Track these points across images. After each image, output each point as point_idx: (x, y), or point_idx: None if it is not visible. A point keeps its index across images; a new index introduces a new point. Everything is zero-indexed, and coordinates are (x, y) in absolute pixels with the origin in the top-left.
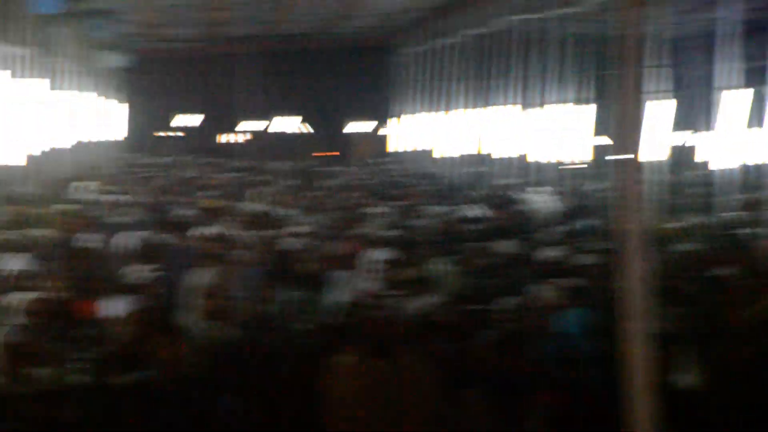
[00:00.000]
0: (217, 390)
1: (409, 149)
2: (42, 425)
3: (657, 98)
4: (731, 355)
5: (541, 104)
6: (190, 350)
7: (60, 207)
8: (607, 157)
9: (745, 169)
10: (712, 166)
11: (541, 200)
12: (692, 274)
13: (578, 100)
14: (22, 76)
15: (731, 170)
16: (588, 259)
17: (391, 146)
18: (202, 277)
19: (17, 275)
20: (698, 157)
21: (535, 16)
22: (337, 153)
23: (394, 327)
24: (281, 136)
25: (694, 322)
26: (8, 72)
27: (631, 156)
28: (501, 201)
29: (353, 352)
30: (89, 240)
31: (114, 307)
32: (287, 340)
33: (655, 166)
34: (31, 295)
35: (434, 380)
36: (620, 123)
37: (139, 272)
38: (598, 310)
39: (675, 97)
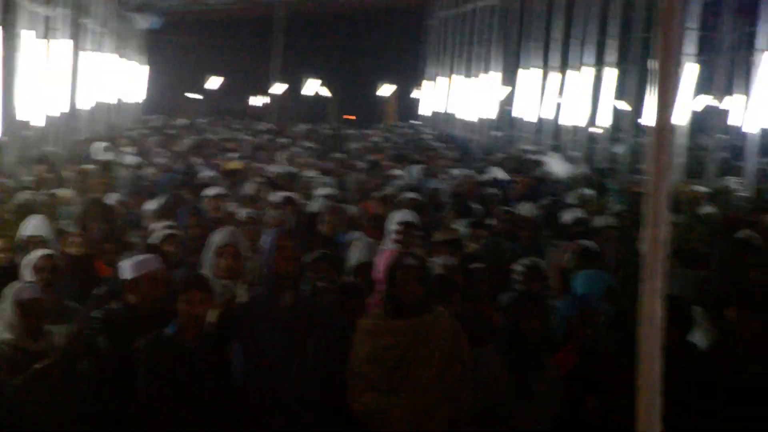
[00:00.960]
0: (230, 348)
1: (440, 112)
2: (57, 382)
3: (690, 61)
4: (752, 317)
5: (563, 68)
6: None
7: (81, 167)
8: (640, 120)
9: None
10: (744, 130)
11: (561, 163)
12: (715, 236)
13: (601, 63)
14: (47, 37)
15: (763, 134)
16: (608, 221)
17: (422, 110)
18: (218, 236)
19: (36, 235)
20: (730, 121)
21: None
22: (365, 116)
23: (416, 287)
24: (310, 99)
25: (714, 284)
26: (32, 32)
27: (665, 119)
28: (522, 164)
29: (376, 311)
30: (109, 199)
31: (132, 265)
32: (305, 299)
33: (685, 130)
34: (44, 253)
35: (456, 339)
36: (657, 85)
37: (158, 231)
38: (618, 272)
39: (708, 60)
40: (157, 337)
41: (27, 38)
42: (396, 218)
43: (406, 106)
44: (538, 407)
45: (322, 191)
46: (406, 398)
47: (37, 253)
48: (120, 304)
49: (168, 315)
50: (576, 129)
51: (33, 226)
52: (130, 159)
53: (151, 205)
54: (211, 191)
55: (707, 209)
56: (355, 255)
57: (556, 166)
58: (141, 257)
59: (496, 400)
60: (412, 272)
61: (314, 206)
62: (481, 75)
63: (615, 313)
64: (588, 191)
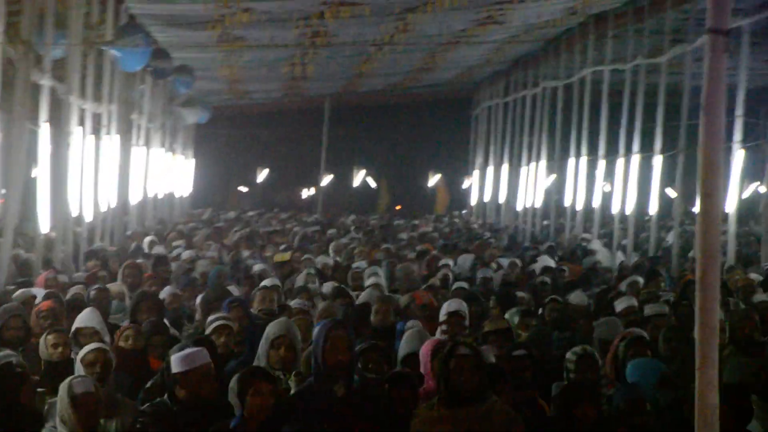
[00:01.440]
0: None
1: (489, 201)
2: None
3: (736, 148)
4: None
5: (612, 156)
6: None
7: (132, 261)
8: (692, 208)
9: None
10: None
11: (606, 251)
12: None
13: (647, 151)
14: (95, 133)
15: None
16: (660, 309)
17: (471, 199)
18: (273, 327)
19: (87, 327)
20: None
21: (610, 67)
22: (415, 206)
23: (472, 375)
24: (360, 190)
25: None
26: (81, 128)
27: (713, 206)
28: (573, 252)
29: (435, 401)
30: (162, 293)
31: (181, 359)
32: (361, 390)
33: (734, 216)
34: (96, 347)
35: (512, 428)
36: (704, 172)
37: (210, 323)
38: (671, 361)
39: (754, 147)
40: (222, 429)
41: (76, 135)
42: (445, 308)
43: (455, 196)
44: None
45: (371, 281)
46: None
47: (89, 347)
48: (169, 398)
49: (217, 408)
50: (624, 216)
51: (84, 318)
52: (180, 252)
53: (200, 299)
54: (266, 282)
55: (761, 297)
56: (405, 345)
57: (602, 255)
58: (190, 350)
59: None
60: (467, 361)
61: (364, 297)
62: (531, 164)
63: (671, 400)
64: (639, 279)
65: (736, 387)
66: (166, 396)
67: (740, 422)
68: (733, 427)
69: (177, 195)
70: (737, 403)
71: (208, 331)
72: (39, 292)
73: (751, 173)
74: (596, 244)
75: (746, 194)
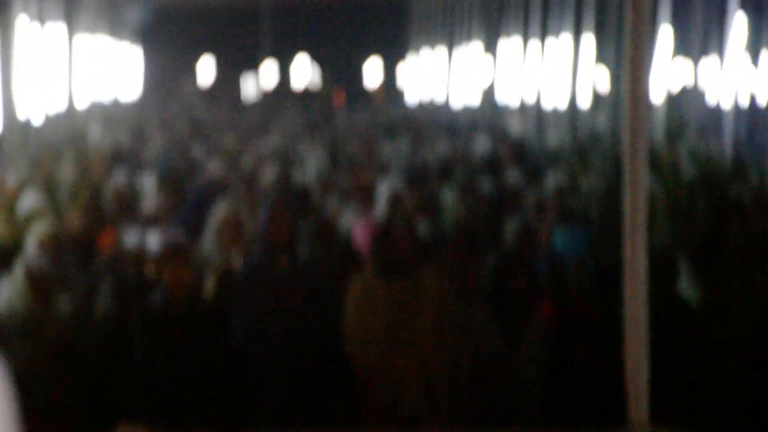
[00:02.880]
0: (230, 315)
1: (425, 90)
2: (62, 350)
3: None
4: (735, 271)
5: (543, 36)
6: (203, 276)
7: (78, 148)
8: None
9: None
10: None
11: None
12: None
13: (576, 31)
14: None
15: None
16: (591, 182)
17: (407, 87)
18: (220, 209)
19: (37, 208)
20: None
21: None
22: (353, 94)
23: (405, 248)
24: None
25: (696, 237)
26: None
27: (640, 88)
28: (501, 132)
29: (368, 272)
30: (113, 176)
31: (133, 239)
32: (301, 264)
33: (663, 94)
34: (48, 227)
35: (444, 298)
36: (630, 57)
37: (158, 204)
38: (600, 228)
39: (679, 23)
40: (146, 304)
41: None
42: (384, 188)
43: (391, 81)
44: (526, 356)
45: (312, 164)
46: (405, 354)
47: (41, 228)
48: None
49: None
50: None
51: (32, 201)
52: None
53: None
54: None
55: (688, 169)
56: (348, 220)
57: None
58: (145, 229)
59: (486, 351)
60: (399, 235)
61: (306, 178)
62: (463, 48)
63: (595, 267)
64: (573, 155)
65: (661, 250)
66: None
67: (668, 285)
68: (662, 291)
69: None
70: (660, 266)
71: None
72: None
73: (679, 49)
74: (515, 120)
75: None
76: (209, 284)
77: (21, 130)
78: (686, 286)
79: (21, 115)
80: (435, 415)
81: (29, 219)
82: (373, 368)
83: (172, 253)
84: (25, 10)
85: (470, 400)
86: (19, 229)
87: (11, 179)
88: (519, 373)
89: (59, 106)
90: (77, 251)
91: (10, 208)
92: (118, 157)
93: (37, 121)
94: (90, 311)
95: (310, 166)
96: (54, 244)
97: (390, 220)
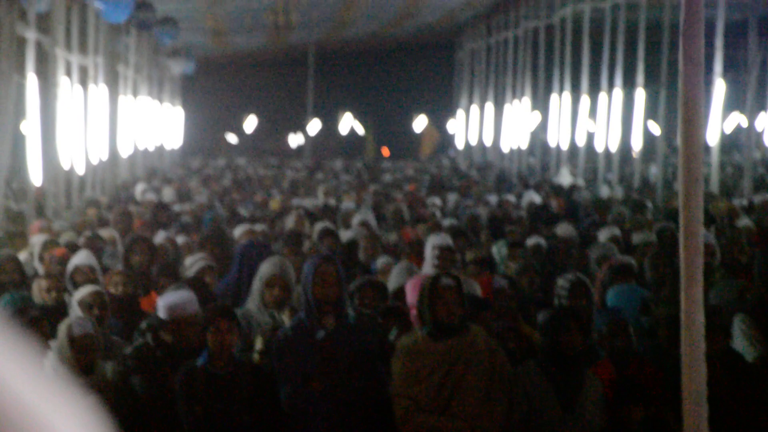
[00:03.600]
0: (276, 376)
1: (473, 142)
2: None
3: (716, 80)
4: None
5: (594, 91)
6: (250, 338)
7: (123, 207)
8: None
9: None
10: None
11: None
12: (754, 247)
13: (628, 86)
14: (85, 84)
15: None
16: (646, 237)
17: (456, 141)
18: (265, 268)
19: (83, 271)
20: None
21: (590, 5)
22: (400, 149)
23: (455, 308)
24: (347, 136)
25: (753, 293)
26: (68, 79)
27: (694, 129)
28: (556, 188)
29: (417, 332)
30: (153, 237)
31: (167, 307)
32: (355, 325)
33: (716, 148)
34: (93, 289)
35: (495, 356)
36: (684, 105)
37: (199, 264)
38: (658, 287)
39: (733, 79)
40: (190, 369)
41: (64, 86)
42: (432, 243)
43: (446, 137)
44: (581, 418)
45: (358, 219)
46: (454, 418)
47: (87, 289)
48: (153, 340)
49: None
50: (608, 152)
51: (81, 257)
52: (171, 198)
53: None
54: (257, 227)
55: (744, 221)
56: (394, 279)
57: (564, 178)
58: (177, 298)
59: (539, 414)
60: (450, 292)
61: (351, 235)
62: (514, 101)
63: (650, 325)
64: (625, 210)
65: (717, 307)
66: (150, 338)
67: (723, 341)
68: (717, 346)
69: (167, 145)
70: (720, 323)
71: (192, 272)
72: (36, 239)
73: (733, 104)
74: (564, 173)
75: (728, 126)
76: (255, 345)
77: (65, 185)
78: (740, 341)
79: (64, 170)
80: None
81: (74, 280)
82: (421, 431)
83: (217, 315)
84: (68, 72)
85: None
86: (64, 290)
87: (61, 239)
88: None
89: (104, 163)
90: (121, 313)
91: (60, 272)
92: (162, 215)
93: (81, 177)
94: (133, 376)
95: (357, 223)
96: (98, 306)
97: (439, 277)
